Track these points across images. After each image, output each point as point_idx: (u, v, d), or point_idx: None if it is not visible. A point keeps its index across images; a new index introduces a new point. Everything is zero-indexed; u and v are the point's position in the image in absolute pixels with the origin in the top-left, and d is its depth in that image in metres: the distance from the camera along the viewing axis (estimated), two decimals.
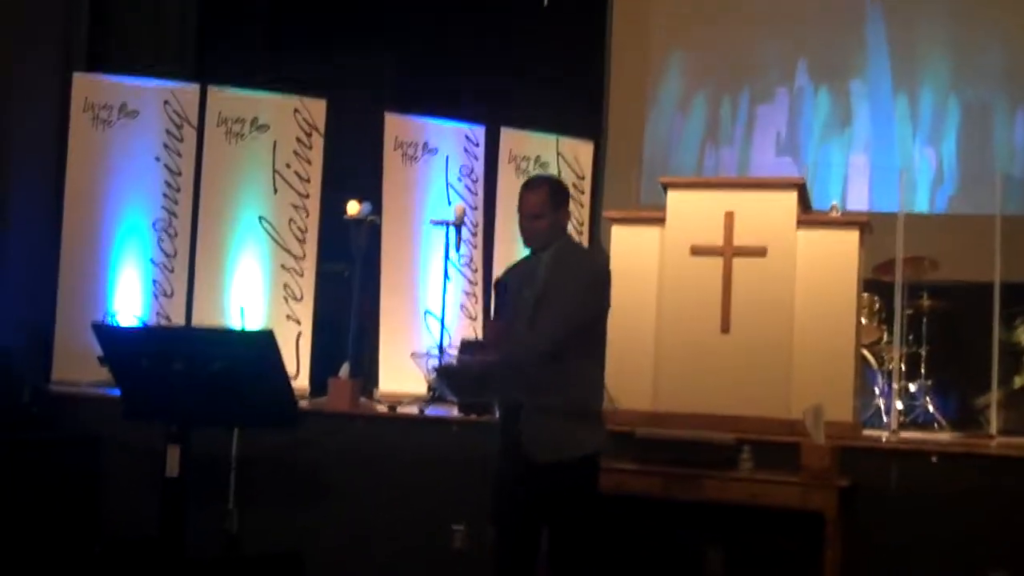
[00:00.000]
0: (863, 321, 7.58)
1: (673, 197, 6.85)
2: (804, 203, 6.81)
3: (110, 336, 6.89)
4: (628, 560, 6.10)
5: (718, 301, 6.63)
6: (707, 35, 9.82)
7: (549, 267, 5.03)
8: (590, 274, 5.06)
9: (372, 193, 8.31)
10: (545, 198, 5.08)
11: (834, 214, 7.12)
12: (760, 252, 6.60)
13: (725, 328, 6.60)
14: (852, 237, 6.65)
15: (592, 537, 4.99)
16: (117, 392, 6.90)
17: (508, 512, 5.05)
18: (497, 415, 5.36)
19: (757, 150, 9.64)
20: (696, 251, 6.71)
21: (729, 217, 6.67)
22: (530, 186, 5.20)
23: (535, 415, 4.88)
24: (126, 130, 8.43)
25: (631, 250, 6.83)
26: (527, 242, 5.13)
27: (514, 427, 4.94)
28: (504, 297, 5.06)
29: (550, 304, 4.94)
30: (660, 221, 6.85)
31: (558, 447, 4.90)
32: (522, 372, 4.85)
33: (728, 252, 6.66)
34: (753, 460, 6.02)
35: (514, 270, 5.27)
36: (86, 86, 8.46)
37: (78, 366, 7.86)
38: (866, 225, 6.76)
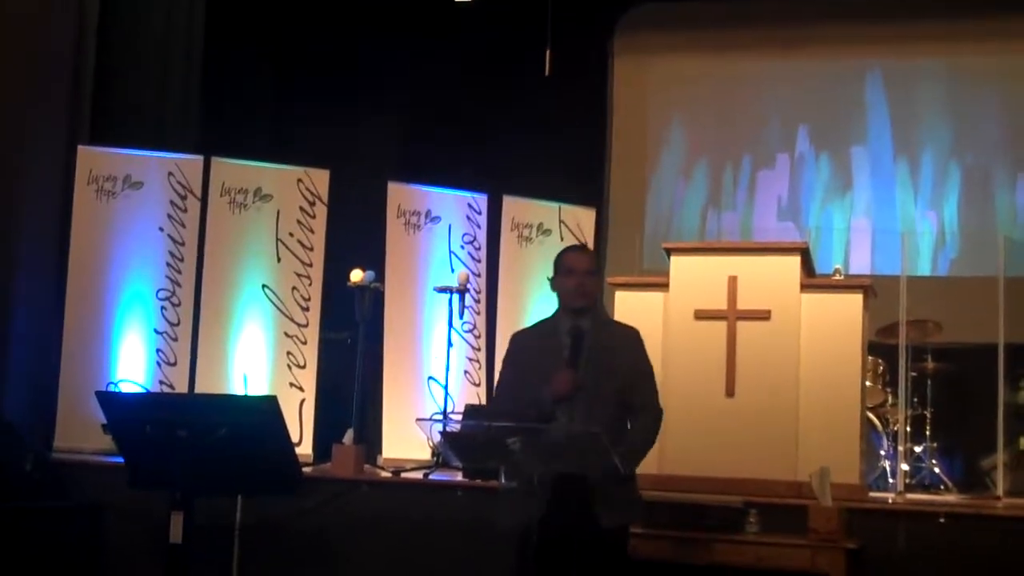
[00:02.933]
0: (867, 383, 7.56)
1: (676, 262, 6.87)
2: (807, 267, 6.84)
3: (114, 404, 6.88)
4: None
5: (723, 365, 6.64)
6: (708, 102, 9.92)
7: (605, 333, 5.14)
8: (642, 341, 5.24)
9: (375, 261, 8.33)
10: (593, 260, 5.28)
11: (837, 277, 7.13)
12: (764, 316, 6.62)
13: (730, 392, 6.61)
14: (856, 300, 6.66)
15: None
16: (121, 460, 6.89)
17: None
18: (514, 481, 5.29)
19: (759, 215, 9.71)
20: (700, 315, 6.72)
21: (733, 281, 6.69)
22: (578, 249, 5.50)
23: (605, 480, 4.90)
24: (130, 201, 8.47)
25: (635, 315, 6.75)
26: (578, 299, 5.14)
27: (576, 492, 4.91)
28: (577, 348, 5.02)
29: (643, 369, 5.17)
30: (663, 286, 6.87)
31: (624, 511, 5.05)
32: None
33: (732, 316, 6.67)
34: (760, 523, 5.99)
35: (544, 330, 5.28)
36: (90, 158, 8.51)
37: (81, 434, 7.83)
38: (869, 288, 6.78)
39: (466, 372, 8.66)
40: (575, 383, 4.96)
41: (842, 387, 6.56)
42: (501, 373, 5.33)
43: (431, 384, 8.49)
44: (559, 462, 4.91)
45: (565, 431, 4.93)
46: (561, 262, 5.23)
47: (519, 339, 5.33)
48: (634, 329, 5.27)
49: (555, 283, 5.26)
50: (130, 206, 8.46)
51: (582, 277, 5.13)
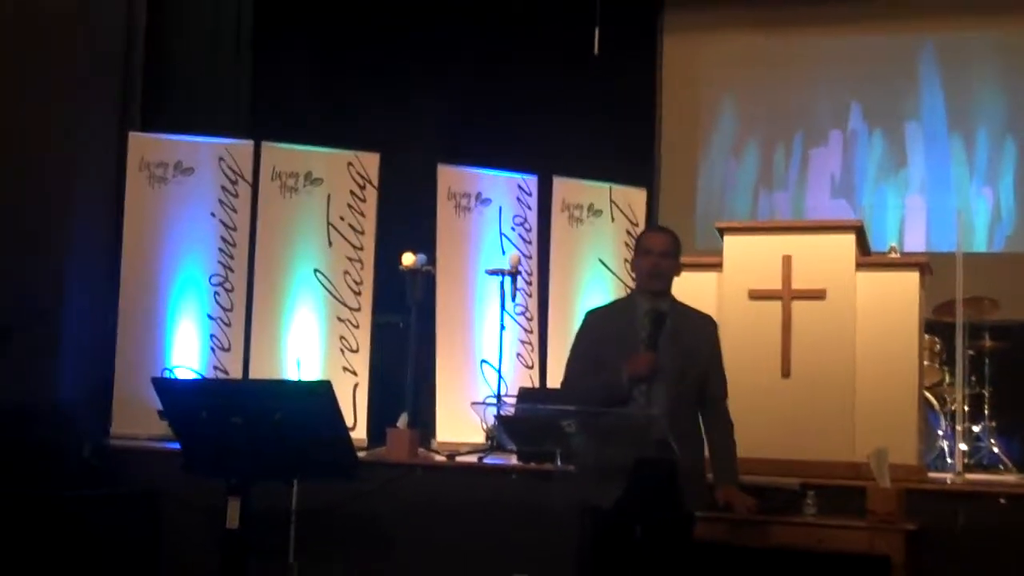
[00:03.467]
0: (924, 363, 7.49)
1: (730, 242, 6.81)
2: (863, 245, 6.76)
3: (170, 390, 6.91)
4: None
5: (778, 345, 6.58)
6: (758, 80, 9.83)
7: (682, 319, 5.11)
8: (717, 329, 5.27)
9: (426, 244, 8.35)
10: (673, 241, 5.19)
11: (893, 256, 7.07)
12: (819, 295, 6.56)
13: (786, 372, 6.55)
14: (912, 279, 6.59)
15: None
16: (177, 446, 6.93)
17: (614, 559, 4.98)
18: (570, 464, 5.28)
19: (811, 193, 9.63)
20: (754, 295, 6.67)
21: (787, 261, 6.63)
22: (657, 229, 5.51)
23: (689, 466, 4.94)
24: (182, 187, 8.52)
25: (688, 296, 6.66)
26: (652, 280, 5.11)
27: (665, 476, 4.90)
28: (656, 329, 5.00)
29: (718, 361, 5.20)
30: (717, 266, 6.81)
31: (698, 497, 5.09)
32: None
33: (787, 296, 6.61)
34: (818, 504, 5.94)
35: (619, 310, 5.32)
36: (142, 145, 8.56)
37: (137, 420, 7.90)
38: (926, 266, 6.69)
39: (519, 355, 8.65)
40: (654, 365, 4.91)
41: (899, 367, 6.49)
42: (573, 349, 5.29)
43: (484, 367, 8.49)
44: (630, 445, 4.87)
45: (638, 415, 4.90)
46: (640, 242, 5.23)
47: (593, 317, 5.29)
48: (711, 318, 5.27)
49: (633, 263, 5.26)
50: (181, 192, 8.51)
51: (658, 258, 5.09)
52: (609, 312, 5.34)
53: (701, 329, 5.18)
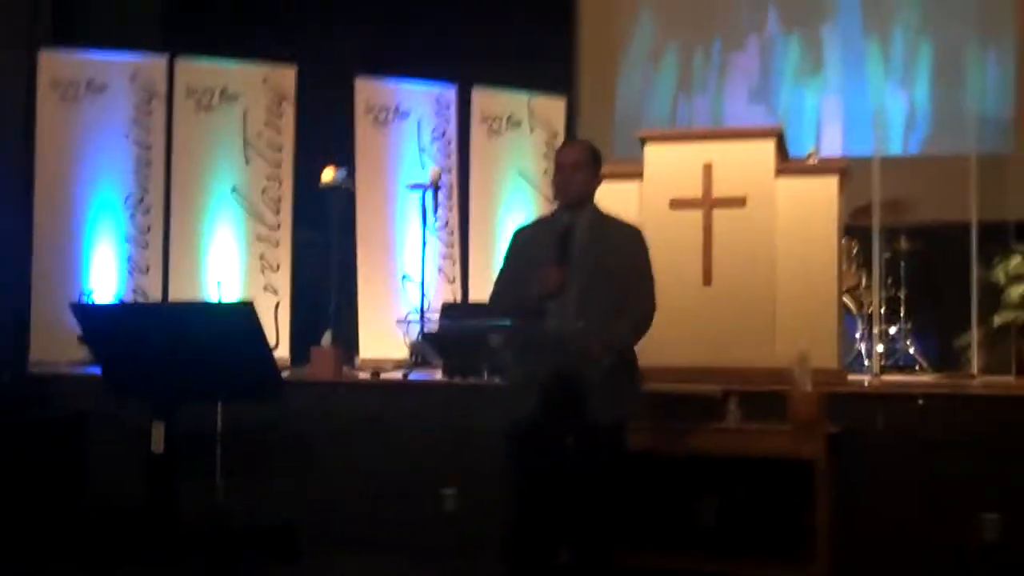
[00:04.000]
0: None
1: (651, 151, 6.80)
2: (782, 152, 6.78)
3: (89, 315, 6.84)
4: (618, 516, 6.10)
5: (699, 254, 6.61)
6: None
7: (600, 230, 5.08)
8: (643, 239, 5.18)
9: (344, 159, 8.25)
10: (586, 154, 5.17)
11: (812, 161, 7.10)
12: (740, 203, 6.58)
13: (707, 280, 6.59)
14: (831, 184, 6.62)
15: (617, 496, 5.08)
16: (98, 371, 6.87)
17: (543, 472, 5.01)
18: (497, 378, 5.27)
19: (730, 98, 9.62)
20: (675, 204, 6.67)
21: (707, 169, 6.63)
22: (569, 144, 5.48)
23: (597, 376, 4.88)
24: (94, 106, 8.37)
25: (610, 206, 6.76)
26: (562, 195, 5.14)
27: (569, 389, 4.91)
28: (565, 246, 4.98)
29: (639, 269, 5.08)
30: (638, 175, 6.80)
31: (618, 407, 5.00)
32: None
33: (707, 204, 6.63)
34: (740, 411, 6.01)
35: (540, 227, 5.27)
36: (52, 63, 8.38)
37: (56, 346, 7.81)
38: (845, 171, 6.73)
39: (440, 269, 8.65)
40: (561, 279, 4.92)
41: (818, 272, 6.54)
42: (500, 269, 5.29)
43: (406, 283, 8.46)
44: (546, 359, 4.90)
45: (552, 328, 4.91)
46: (555, 157, 5.23)
47: (518, 235, 5.28)
48: (635, 228, 5.22)
49: (552, 178, 5.25)
50: (94, 111, 8.37)
51: (569, 172, 5.10)
52: (532, 230, 5.33)
53: (621, 240, 5.14)
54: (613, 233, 5.15)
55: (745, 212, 6.58)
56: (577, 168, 5.11)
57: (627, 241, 5.15)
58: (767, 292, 6.52)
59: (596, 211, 5.20)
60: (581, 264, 4.99)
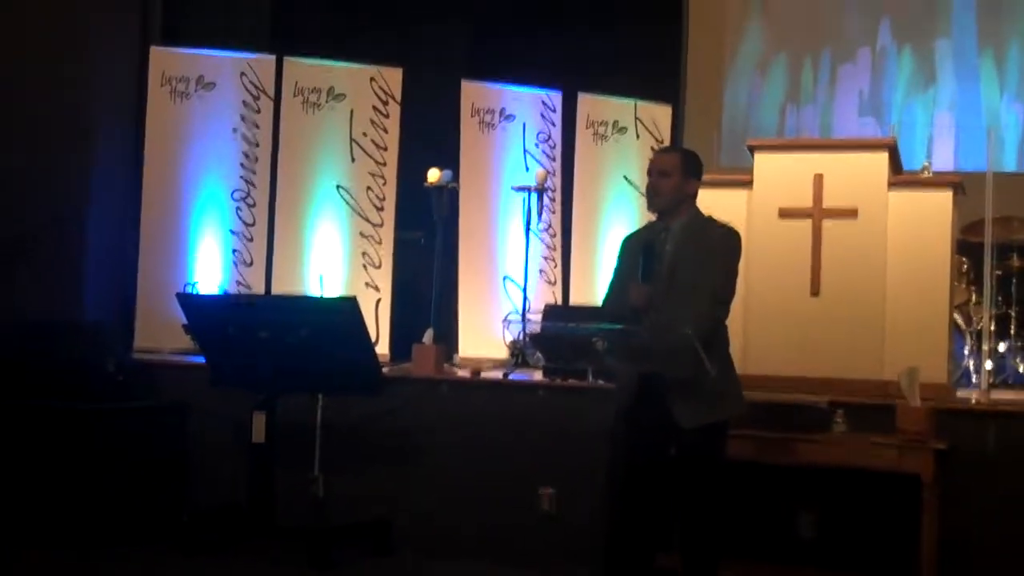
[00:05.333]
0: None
1: (761, 159, 6.72)
2: (895, 164, 6.67)
3: (195, 305, 6.95)
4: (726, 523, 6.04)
5: (807, 264, 6.51)
6: None
7: (693, 235, 5.08)
8: (737, 240, 5.17)
9: (448, 160, 8.29)
10: (677, 161, 5.20)
11: (926, 174, 6.98)
12: (851, 214, 6.46)
13: (815, 291, 6.49)
14: (945, 198, 6.50)
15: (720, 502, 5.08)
16: (201, 360, 6.96)
17: (644, 476, 5.04)
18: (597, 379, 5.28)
19: (839, 110, 9.49)
20: (784, 213, 6.58)
21: (818, 179, 6.54)
22: (660, 150, 5.53)
23: (685, 380, 4.89)
24: (203, 102, 8.45)
25: (716, 214, 6.71)
26: (648, 201, 5.20)
27: (659, 393, 4.94)
28: (647, 261, 5.00)
29: (718, 267, 5.05)
30: (746, 184, 6.74)
31: (706, 411, 4.97)
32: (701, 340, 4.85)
33: (818, 214, 6.52)
34: (847, 423, 5.93)
35: (641, 236, 5.28)
36: (163, 60, 8.48)
37: (160, 335, 7.92)
38: (959, 185, 6.60)
39: (541, 271, 8.63)
40: (647, 297, 4.95)
41: (930, 286, 6.41)
42: (612, 274, 5.32)
43: (507, 283, 8.47)
44: (646, 363, 4.90)
45: (650, 333, 4.90)
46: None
47: (626, 242, 5.34)
48: (731, 228, 5.20)
49: None
50: (203, 107, 8.45)
51: (653, 178, 5.15)
52: (636, 237, 5.34)
53: (717, 240, 5.14)
54: (709, 234, 5.15)
55: (856, 223, 6.47)
56: (664, 174, 5.14)
57: (721, 241, 5.15)
58: (877, 304, 6.40)
59: (695, 215, 5.21)
60: (668, 272, 5.01)
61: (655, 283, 4.97)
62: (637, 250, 5.12)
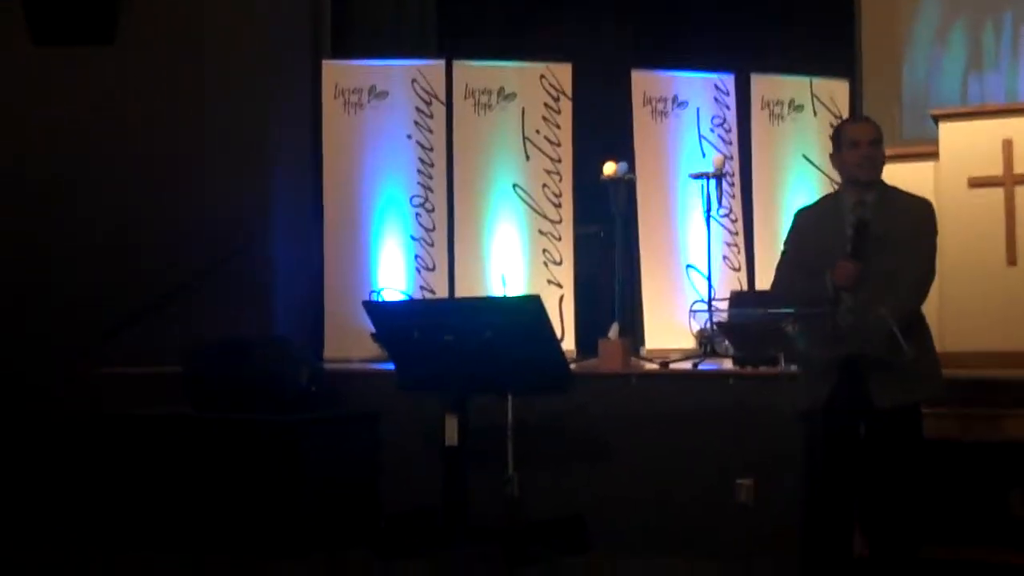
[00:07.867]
0: None
1: (946, 129, 6.54)
2: None
3: (381, 312, 7.01)
4: (927, 505, 5.86)
5: (1002, 233, 6.31)
6: None
7: (891, 209, 4.96)
8: (934, 214, 5.04)
9: (621, 151, 8.23)
10: (879, 129, 5.09)
11: None
12: None
13: (1012, 260, 6.28)
14: None
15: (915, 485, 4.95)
16: (389, 366, 7.02)
17: (839, 460, 4.96)
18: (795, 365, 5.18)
19: None
20: (974, 183, 6.39)
21: (1008, 145, 6.33)
22: (859, 119, 5.47)
23: (881, 360, 4.78)
24: (377, 111, 8.55)
25: (904, 187, 6.53)
26: (867, 172, 5.03)
27: (856, 374, 4.85)
28: (862, 238, 4.87)
29: (919, 251, 4.94)
30: (932, 155, 6.56)
31: (906, 391, 4.88)
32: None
33: (1009, 181, 6.32)
34: None
35: (827, 208, 5.17)
36: (335, 72, 8.60)
37: (348, 343, 8.04)
38: None
39: (725, 258, 8.50)
40: (858, 275, 4.80)
41: None
42: (783, 252, 5.21)
43: (690, 272, 8.37)
44: (844, 346, 4.78)
45: (849, 316, 4.78)
46: (843, 135, 5.07)
47: (801, 218, 5.20)
48: (925, 200, 5.06)
49: (837, 159, 5.10)
50: (377, 116, 8.54)
51: (868, 148, 4.98)
52: (815, 212, 5.21)
53: (915, 214, 5.01)
54: (906, 208, 5.02)
55: None
56: (877, 142, 5.01)
57: (918, 214, 5.01)
58: None
59: (885, 187, 5.06)
60: (874, 251, 4.85)
61: (864, 262, 4.84)
62: (822, 225, 4.99)
